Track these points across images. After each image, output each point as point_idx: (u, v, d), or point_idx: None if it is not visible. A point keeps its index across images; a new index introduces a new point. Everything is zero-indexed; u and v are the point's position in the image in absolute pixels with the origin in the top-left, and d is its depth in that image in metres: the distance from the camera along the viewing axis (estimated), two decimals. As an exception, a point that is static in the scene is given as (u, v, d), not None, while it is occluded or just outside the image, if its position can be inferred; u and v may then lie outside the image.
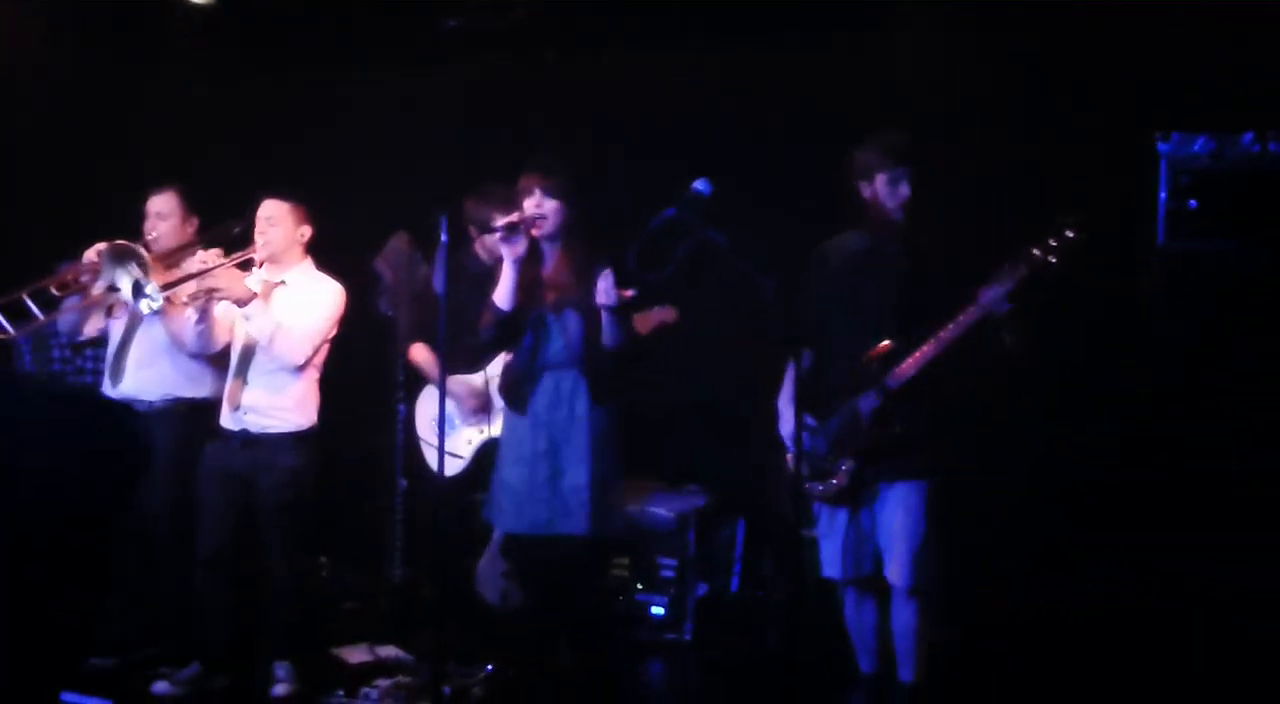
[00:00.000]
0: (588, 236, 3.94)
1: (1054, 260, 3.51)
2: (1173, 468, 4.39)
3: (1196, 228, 4.17)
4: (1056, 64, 4.61)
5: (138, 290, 4.15)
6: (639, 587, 4.85)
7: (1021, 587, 4.63)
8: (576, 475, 3.84)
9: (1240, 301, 4.33)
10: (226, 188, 4.70)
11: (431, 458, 4.76)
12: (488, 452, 4.40)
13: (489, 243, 4.52)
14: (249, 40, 5.47)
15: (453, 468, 4.66)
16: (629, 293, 3.75)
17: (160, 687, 4.29)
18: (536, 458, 3.86)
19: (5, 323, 4.38)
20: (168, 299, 4.22)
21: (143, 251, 4.30)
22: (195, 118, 5.67)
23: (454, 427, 4.73)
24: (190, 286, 4.27)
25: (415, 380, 4.96)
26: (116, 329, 4.64)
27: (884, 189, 3.75)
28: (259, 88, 5.73)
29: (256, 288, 4.30)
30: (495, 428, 4.52)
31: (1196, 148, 4.08)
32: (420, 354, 4.87)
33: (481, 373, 4.68)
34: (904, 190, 3.74)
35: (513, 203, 3.92)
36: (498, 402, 4.49)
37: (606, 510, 3.87)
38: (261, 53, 5.57)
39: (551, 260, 3.94)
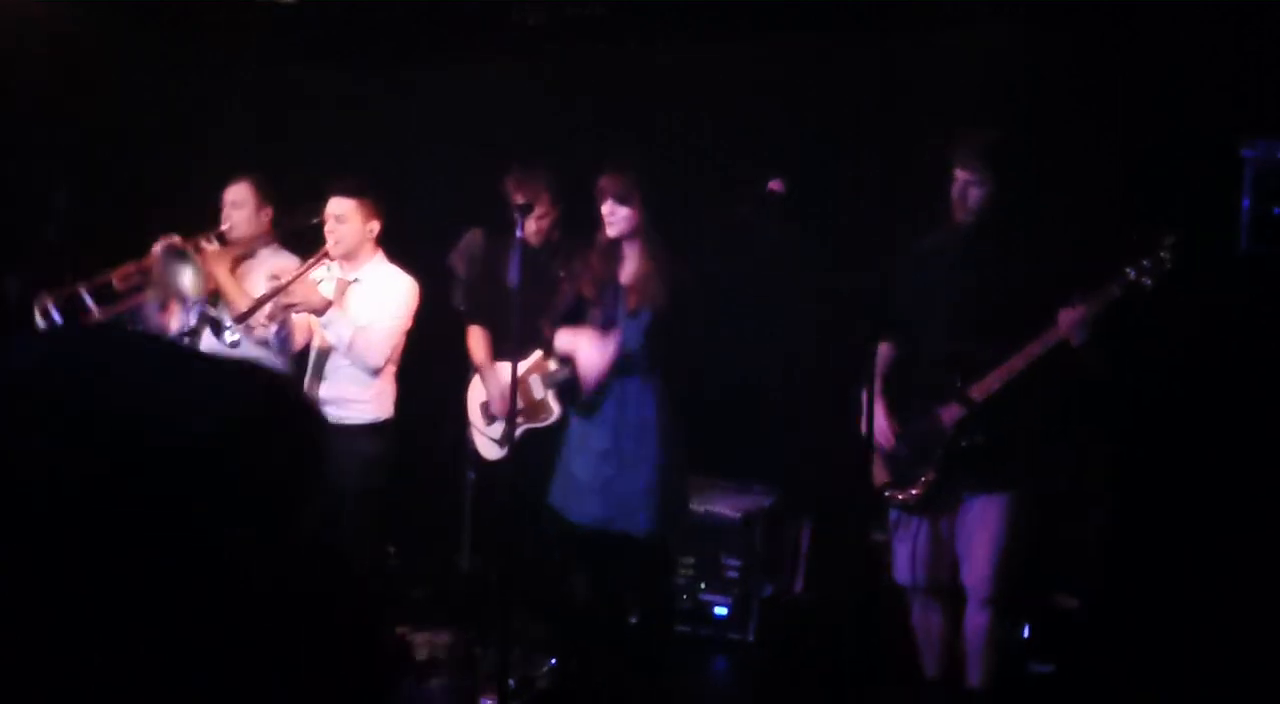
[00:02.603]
0: (666, 238, 4.00)
1: (1149, 282, 3.45)
2: (1260, 474, 4.30)
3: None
4: (1142, 69, 4.53)
5: (217, 329, 4.28)
6: (703, 586, 4.86)
7: (1105, 597, 4.56)
8: (639, 477, 3.88)
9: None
10: (303, 181, 4.78)
11: (479, 442, 4.82)
12: (531, 440, 4.47)
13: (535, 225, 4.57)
14: (326, 36, 5.54)
15: (494, 453, 4.73)
16: None
17: None
18: (601, 455, 3.92)
19: (92, 304, 4.53)
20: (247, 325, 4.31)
21: (192, 252, 4.40)
22: (273, 110, 5.76)
23: (496, 416, 4.76)
24: (268, 306, 4.34)
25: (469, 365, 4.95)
26: (177, 322, 4.72)
27: (959, 192, 3.72)
28: (337, 81, 5.80)
29: (330, 288, 4.38)
30: (531, 417, 4.58)
31: (1282, 154, 4.01)
32: (474, 338, 4.86)
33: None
34: (974, 194, 3.69)
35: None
36: (537, 395, 4.56)
37: (670, 510, 3.92)
38: (338, 47, 5.64)
39: (631, 263, 4.00)
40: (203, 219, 4.72)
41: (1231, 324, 4.36)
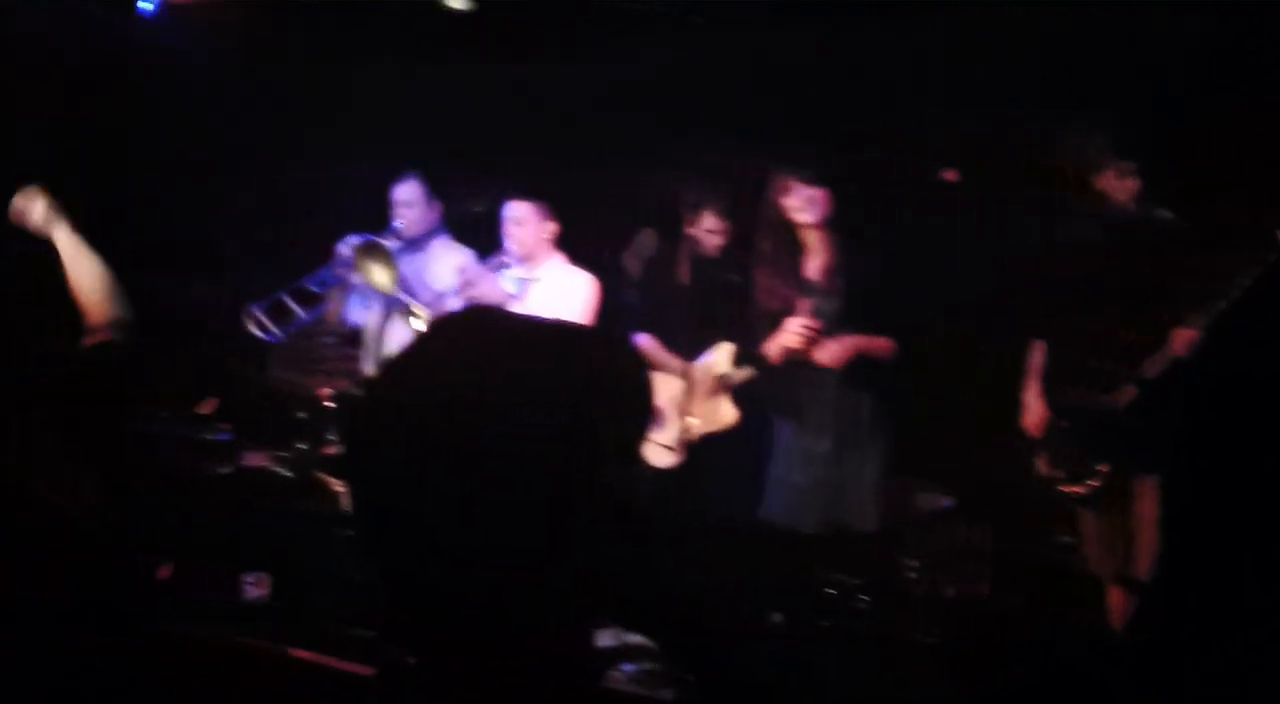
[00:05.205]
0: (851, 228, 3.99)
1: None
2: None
3: None
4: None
5: (409, 314, 4.35)
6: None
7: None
8: (862, 475, 3.93)
9: None
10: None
11: (649, 450, 4.80)
12: (701, 447, 4.51)
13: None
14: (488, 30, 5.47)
15: (664, 460, 4.68)
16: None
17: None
18: (821, 460, 3.92)
19: (271, 325, 4.57)
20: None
21: (389, 248, 4.45)
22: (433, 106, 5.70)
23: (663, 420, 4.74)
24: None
25: None
26: (373, 318, 4.78)
27: (1113, 182, 3.68)
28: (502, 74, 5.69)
29: (512, 288, 4.40)
30: (707, 422, 4.57)
31: None
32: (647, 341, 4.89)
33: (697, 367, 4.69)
34: (1132, 184, 3.65)
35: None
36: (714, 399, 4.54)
37: (881, 509, 4.02)
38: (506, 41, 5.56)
39: (820, 254, 4.02)
40: (366, 220, 4.75)
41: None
